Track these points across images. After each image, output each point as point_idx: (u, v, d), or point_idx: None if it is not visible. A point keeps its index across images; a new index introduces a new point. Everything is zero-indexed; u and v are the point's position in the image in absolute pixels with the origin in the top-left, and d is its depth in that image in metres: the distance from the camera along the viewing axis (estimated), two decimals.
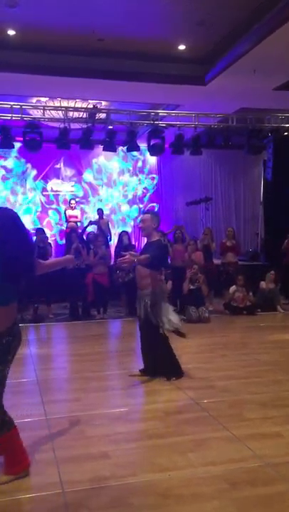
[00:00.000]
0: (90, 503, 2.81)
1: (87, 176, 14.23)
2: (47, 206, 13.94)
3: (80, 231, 10.98)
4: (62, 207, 13.48)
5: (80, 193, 14.13)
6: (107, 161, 14.22)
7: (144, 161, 14.65)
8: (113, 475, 3.10)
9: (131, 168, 14.59)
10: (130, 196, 14.64)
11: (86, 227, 10.99)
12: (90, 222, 11.20)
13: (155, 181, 14.89)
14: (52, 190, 13.98)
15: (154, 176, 14.83)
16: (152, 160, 14.56)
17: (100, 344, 7.10)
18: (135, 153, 13.42)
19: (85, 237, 10.11)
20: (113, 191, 14.48)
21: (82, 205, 13.90)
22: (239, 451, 3.42)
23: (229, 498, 2.85)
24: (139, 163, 14.64)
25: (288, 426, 3.86)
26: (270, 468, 3.18)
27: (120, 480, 3.04)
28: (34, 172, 13.71)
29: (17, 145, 11.07)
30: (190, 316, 8.31)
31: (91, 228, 10.93)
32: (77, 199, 13.39)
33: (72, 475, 3.11)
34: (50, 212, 14.00)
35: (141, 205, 14.69)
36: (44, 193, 13.91)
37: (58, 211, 13.88)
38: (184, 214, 14.78)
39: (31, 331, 8.01)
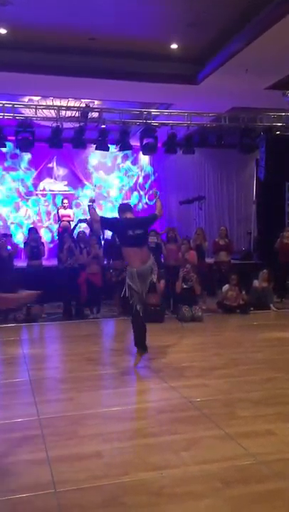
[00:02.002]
0: (83, 503, 2.80)
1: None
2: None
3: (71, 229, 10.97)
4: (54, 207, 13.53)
5: (74, 191, 14.16)
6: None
7: (136, 159, 14.68)
8: (106, 474, 3.10)
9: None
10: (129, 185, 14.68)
11: (76, 225, 10.95)
12: (80, 220, 11.15)
13: (145, 175, 14.95)
14: (44, 190, 13.96)
15: (149, 172, 14.88)
16: (145, 159, 14.57)
17: (93, 344, 7.09)
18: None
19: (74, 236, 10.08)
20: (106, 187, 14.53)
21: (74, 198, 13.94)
22: (232, 450, 3.42)
23: (222, 496, 2.85)
24: (131, 159, 14.69)
25: (280, 423, 3.88)
26: (263, 465, 3.19)
27: (113, 479, 3.03)
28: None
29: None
30: (183, 315, 8.32)
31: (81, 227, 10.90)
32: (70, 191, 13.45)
33: (65, 474, 3.10)
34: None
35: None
36: (36, 192, 13.90)
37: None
38: (177, 213, 14.79)
39: (24, 331, 7.98)
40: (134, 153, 14.10)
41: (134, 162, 14.62)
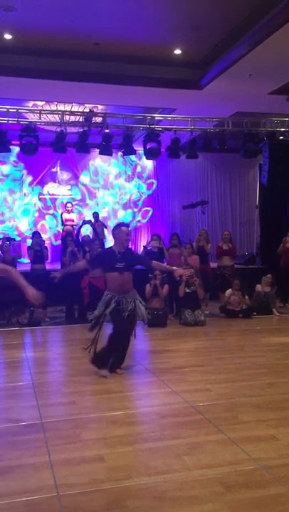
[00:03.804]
0: (85, 507, 2.81)
1: (84, 178, 14.26)
2: (44, 211, 14.00)
3: (75, 232, 10.99)
4: (59, 211, 13.55)
5: (78, 196, 14.20)
6: (104, 164, 14.30)
7: (140, 165, 14.71)
8: (108, 478, 3.11)
9: (129, 173, 14.67)
10: (126, 199, 14.68)
11: (80, 227, 10.98)
12: (84, 222, 11.19)
13: (153, 186, 14.96)
14: (48, 194, 14.02)
15: (153, 180, 14.88)
16: (149, 164, 14.61)
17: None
18: (132, 157, 13.55)
19: (80, 239, 10.12)
20: (109, 195, 14.52)
21: (78, 207, 13.97)
22: (234, 454, 3.43)
23: (224, 500, 2.86)
24: (138, 169, 14.72)
25: (283, 428, 3.88)
26: (265, 470, 3.19)
27: (115, 483, 3.04)
28: (30, 178, 13.81)
29: (15, 149, 11.15)
30: (186, 319, 8.32)
31: (87, 231, 10.93)
32: (74, 202, 13.45)
33: (68, 478, 3.11)
34: (46, 216, 14.04)
35: (135, 209, 14.73)
36: (40, 196, 13.96)
37: (54, 215, 13.95)
38: (180, 217, 14.82)
39: (27, 335, 8.00)
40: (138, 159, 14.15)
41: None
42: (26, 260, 10.63)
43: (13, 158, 13.48)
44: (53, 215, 14.01)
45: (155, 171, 14.88)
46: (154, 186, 14.92)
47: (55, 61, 8.93)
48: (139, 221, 14.71)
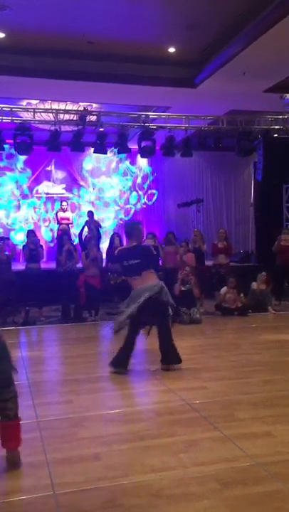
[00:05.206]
0: (82, 505, 2.81)
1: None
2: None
3: (77, 235, 11.02)
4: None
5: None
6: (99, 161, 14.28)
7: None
8: (105, 476, 3.11)
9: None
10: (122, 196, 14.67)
11: (83, 228, 10.96)
12: (87, 223, 11.19)
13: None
14: (43, 193, 13.98)
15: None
16: (143, 164, 14.60)
17: (92, 346, 7.10)
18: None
19: (83, 239, 10.21)
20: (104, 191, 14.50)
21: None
22: (230, 451, 3.44)
23: (220, 497, 2.86)
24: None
25: (278, 425, 3.89)
26: (261, 467, 3.20)
27: (112, 481, 3.04)
28: (27, 179, 13.76)
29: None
30: (182, 318, 8.33)
31: (85, 232, 10.93)
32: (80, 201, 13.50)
33: (64, 477, 3.11)
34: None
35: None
36: (36, 195, 13.93)
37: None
38: (175, 216, 14.82)
39: (23, 334, 7.98)
40: (129, 158, 14.12)
41: (133, 163, 14.67)
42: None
43: (20, 165, 13.47)
44: (48, 227, 13.97)
45: (156, 182, 14.85)
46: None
47: (49, 60, 8.91)
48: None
